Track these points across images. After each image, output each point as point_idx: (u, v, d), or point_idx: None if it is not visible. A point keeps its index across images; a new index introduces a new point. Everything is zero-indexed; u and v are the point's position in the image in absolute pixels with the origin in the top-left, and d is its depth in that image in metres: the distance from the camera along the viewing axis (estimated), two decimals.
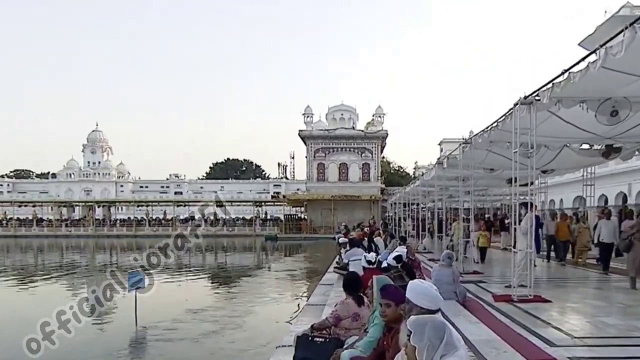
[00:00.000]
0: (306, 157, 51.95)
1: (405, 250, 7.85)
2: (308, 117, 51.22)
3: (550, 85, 5.99)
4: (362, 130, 51.44)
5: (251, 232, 49.66)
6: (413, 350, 2.12)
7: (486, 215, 24.25)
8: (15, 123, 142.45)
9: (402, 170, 72.71)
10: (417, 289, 2.68)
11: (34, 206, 56.73)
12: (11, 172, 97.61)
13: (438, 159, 14.18)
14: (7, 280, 19.91)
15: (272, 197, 71.39)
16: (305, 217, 50.71)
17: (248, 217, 55.27)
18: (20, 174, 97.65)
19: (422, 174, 21.04)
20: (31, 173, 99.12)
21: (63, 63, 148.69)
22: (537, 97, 6.50)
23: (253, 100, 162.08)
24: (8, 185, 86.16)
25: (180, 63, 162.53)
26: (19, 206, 56.79)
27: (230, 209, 57.60)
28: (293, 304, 13.31)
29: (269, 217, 56.03)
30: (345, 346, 4.03)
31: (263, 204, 59.84)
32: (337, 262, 12.79)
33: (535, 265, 11.25)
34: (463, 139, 13.99)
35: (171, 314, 11.55)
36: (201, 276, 21.74)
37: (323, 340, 4.37)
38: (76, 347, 9.02)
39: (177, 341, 9.41)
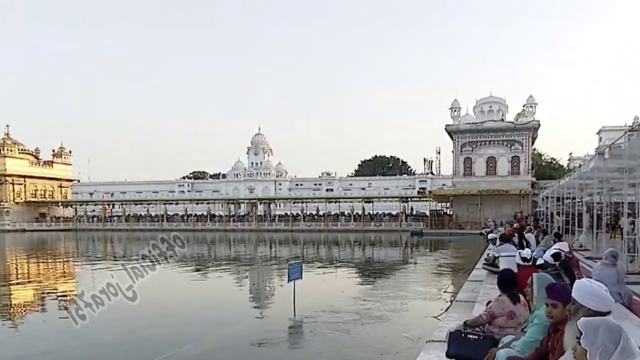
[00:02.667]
0: (452, 151, 50.52)
1: (567, 247, 7.35)
2: (455, 111, 49.76)
3: None
4: (512, 122, 48.16)
5: (397, 228, 49.97)
6: (583, 353, 1.97)
7: None
8: (193, 129, 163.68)
9: (555, 162, 66.13)
10: (584, 289, 2.55)
11: (207, 204, 64.86)
12: (190, 173, 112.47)
13: (596, 148, 12.89)
14: (188, 268, 23.10)
15: (418, 192, 70.75)
16: (451, 212, 49.40)
17: (394, 213, 55.75)
18: (197, 175, 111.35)
19: (579, 166, 19.19)
20: (206, 174, 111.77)
21: (236, 73, 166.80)
22: None
23: (400, 97, 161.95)
24: (188, 185, 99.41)
25: (329, 65, 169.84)
26: (197, 204, 65.85)
27: (377, 205, 58.81)
28: (440, 299, 13.31)
29: (414, 212, 55.80)
30: (500, 345, 3.93)
31: (409, 199, 59.68)
32: (485, 259, 12.52)
33: None
34: (627, 126, 12.49)
35: (326, 305, 12.10)
36: (352, 269, 22.81)
37: (477, 337, 4.26)
38: (238, 333, 10.06)
39: (331, 332, 9.80)
